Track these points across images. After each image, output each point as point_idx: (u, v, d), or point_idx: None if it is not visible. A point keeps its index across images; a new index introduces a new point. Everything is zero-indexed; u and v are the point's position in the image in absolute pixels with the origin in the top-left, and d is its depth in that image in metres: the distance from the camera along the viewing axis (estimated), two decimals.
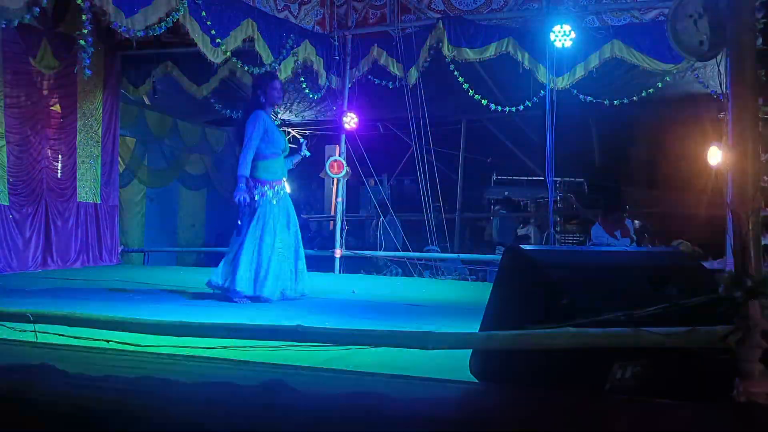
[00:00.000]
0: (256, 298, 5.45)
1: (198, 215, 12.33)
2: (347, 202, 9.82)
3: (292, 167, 5.96)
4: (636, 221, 9.38)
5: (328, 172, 9.41)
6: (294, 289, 5.65)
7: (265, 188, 5.56)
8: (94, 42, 6.09)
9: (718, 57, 2.56)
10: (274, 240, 5.51)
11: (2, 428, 2.11)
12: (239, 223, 5.58)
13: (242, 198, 5.45)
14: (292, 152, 5.96)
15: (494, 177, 13.33)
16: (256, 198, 5.51)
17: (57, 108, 8.48)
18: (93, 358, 2.91)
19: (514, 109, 8.72)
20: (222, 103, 9.98)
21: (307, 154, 6.00)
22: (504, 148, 12.48)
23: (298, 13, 8.47)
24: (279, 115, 9.20)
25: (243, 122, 5.62)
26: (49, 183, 8.29)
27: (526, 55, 8.10)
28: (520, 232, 11.57)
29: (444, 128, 11.33)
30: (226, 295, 5.48)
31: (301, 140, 6.15)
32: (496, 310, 2.62)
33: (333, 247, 9.33)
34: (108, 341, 3.04)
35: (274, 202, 5.58)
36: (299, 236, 5.79)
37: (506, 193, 13.01)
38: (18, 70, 7.81)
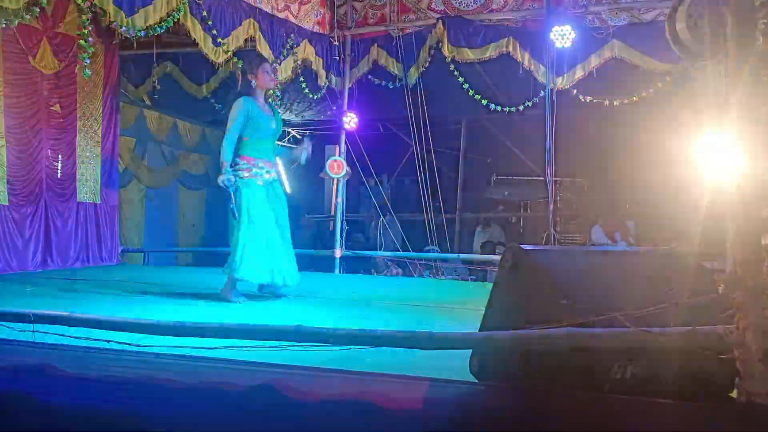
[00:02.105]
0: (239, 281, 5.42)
1: (198, 215, 12.33)
2: (347, 202, 9.82)
3: (286, 159, 5.86)
4: (632, 221, 9.39)
5: (328, 172, 9.42)
6: (275, 281, 5.51)
7: (248, 164, 5.43)
8: (94, 42, 6.09)
9: (718, 57, 2.56)
10: (250, 223, 5.38)
11: (2, 428, 2.11)
12: (231, 208, 5.42)
13: (226, 180, 5.31)
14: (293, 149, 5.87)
15: (494, 177, 13.33)
16: (237, 179, 5.39)
17: (57, 108, 8.48)
18: (93, 358, 2.90)
19: (514, 109, 8.73)
20: (222, 103, 9.98)
21: (302, 163, 5.91)
22: (504, 148, 12.48)
23: (298, 13, 8.47)
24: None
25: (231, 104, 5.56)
26: (49, 183, 8.29)
27: (526, 55, 8.11)
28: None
29: (444, 128, 11.33)
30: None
31: (305, 146, 5.95)
32: (496, 310, 2.62)
33: (333, 246, 9.34)
34: (108, 341, 3.04)
35: (260, 183, 5.46)
36: (286, 226, 5.65)
37: (506, 193, 13.02)
38: (18, 70, 7.81)
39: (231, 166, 5.38)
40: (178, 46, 8.57)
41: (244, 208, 5.39)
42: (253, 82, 5.54)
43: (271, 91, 5.85)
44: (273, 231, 5.50)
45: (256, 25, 7.52)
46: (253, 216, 5.41)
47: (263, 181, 5.51)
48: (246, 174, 5.42)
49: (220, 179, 5.34)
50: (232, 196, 5.36)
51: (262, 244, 5.41)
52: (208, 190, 12.35)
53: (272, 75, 5.73)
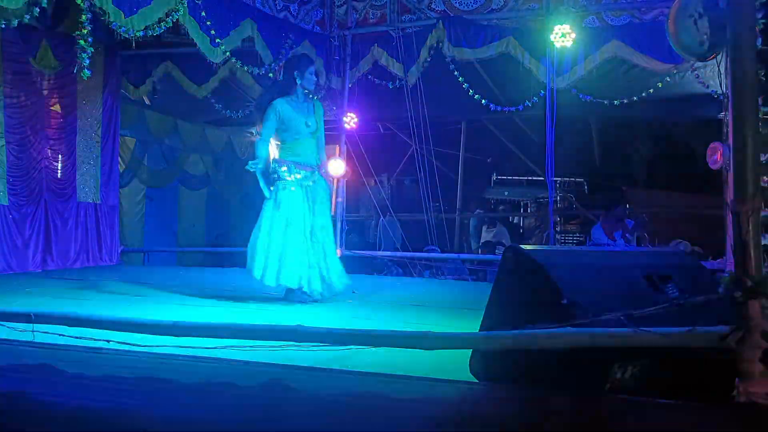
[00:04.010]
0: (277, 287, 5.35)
1: (198, 215, 12.32)
2: (347, 202, 9.81)
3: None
4: (630, 221, 9.39)
5: (328, 172, 9.41)
6: (313, 286, 5.39)
7: (285, 170, 5.39)
8: (94, 42, 6.08)
9: (718, 57, 2.56)
10: (286, 228, 5.29)
11: (2, 428, 2.10)
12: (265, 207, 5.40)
13: (271, 170, 5.31)
14: None
15: (494, 177, 13.35)
16: (275, 181, 5.36)
17: (57, 108, 8.48)
18: (93, 358, 2.91)
19: (514, 109, 8.72)
20: (222, 103, 9.98)
21: None
22: (504, 148, 12.49)
23: (297, 13, 8.47)
24: None
25: (264, 108, 5.51)
26: (48, 183, 8.28)
27: (526, 55, 8.10)
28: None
29: (444, 128, 11.33)
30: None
31: None
32: (496, 310, 2.62)
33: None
34: (108, 341, 3.04)
35: (292, 189, 5.37)
36: (327, 230, 5.55)
37: (506, 193, 13.03)
38: (18, 70, 7.80)
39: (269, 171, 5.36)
40: (178, 46, 8.56)
41: (269, 212, 5.33)
42: (298, 80, 5.55)
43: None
44: (301, 237, 5.36)
45: (254, 25, 7.52)
46: (278, 219, 5.31)
47: (299, 185, 5.40)
48: (284, 179, 5.37)
49: (252, 165, 5.30)
50: (264, 186, 5.33)
51: (296, 251, 5.30)
52: (208, 190, 12.35)
53: (317, 78, 5.83)
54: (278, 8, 8.15)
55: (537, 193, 12.52)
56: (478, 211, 12.58)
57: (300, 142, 5.53)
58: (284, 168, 5.41)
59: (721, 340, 2.06)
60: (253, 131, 12.01)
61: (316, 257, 5.42)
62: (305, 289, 5.37)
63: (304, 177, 5.47)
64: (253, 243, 5.35)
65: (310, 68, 5.69)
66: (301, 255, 5.34)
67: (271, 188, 5.40)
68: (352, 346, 2.76)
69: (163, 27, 6.40)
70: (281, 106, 5.49)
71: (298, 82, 5.55)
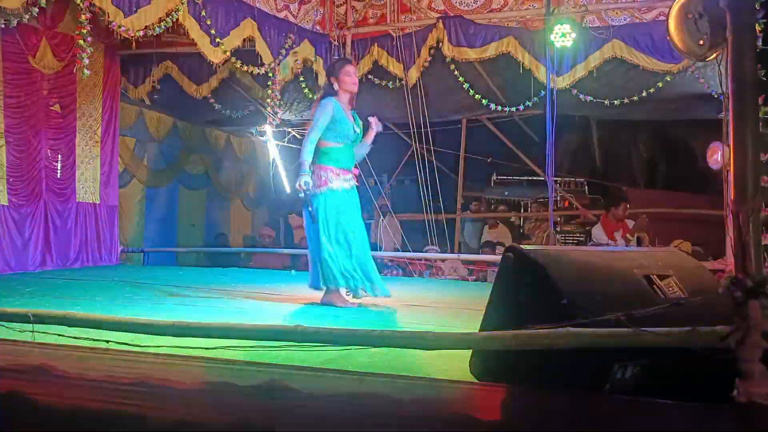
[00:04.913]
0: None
1: (198, 215, 12.31)
2: None
3: (364, 154, 5.56)
4: (630, 221, 9.39)
5: None
6: (364, 289, 5.30)
7: (328, 175, 5.21)
8: (93, 42, 6.09)
9: (718, 57, 2.56)
10: (336, 231, 5.20)
11: (2, 428, 2.10)
12: (309, 213, 5.24)
13: (304, 182, 5.06)
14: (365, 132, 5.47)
15: (494, 177, 13.35)
16: (319, 186, 5.18)
17: (57, 108, 8.48)
18: (93, 359, 2.90)
19: (514, 109, 8.73)
20: (222, 103, 9.99)
21: (379, 128, 5.56)
22: (504, 148, 12.49)
23: (297, 13, 8.48)
24: (279, 115, 9.17)
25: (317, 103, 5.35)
26: (48, 183, 8.29)
27: (526, 55, 8.10)
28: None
29: (444, 128, 11.34)
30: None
31: (374, 127, 5.57)
32: (496, 310, 2.62)
33: None
34: (108, 341, 3.04)
35: (339, 190, 5.24)
36: (364, 234, 5.47)
37: (506, 193, 13.03)
38: (18, 70, 7.81)
39: (306, 171, 5.13)
40: (178, 46, 8.57)
41: (322, 216, 5.18)
42: (335, 84, 5.30)
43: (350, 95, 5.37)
44: (350, 238, 5.29)
45: (255, 25, 7.53)
46: (334, 224, 5.22)
47: (343, 189, 5.27)
48: (327, 184, 5.20)
49: (301, 180, 5.08)
50: (310, 200, 5.15)
51: (344, 251, 5.23)
52: (208, 190, 12.34)
53: (354, 78, 5.43)
54: (278, 8, 8.16)
55: (537, 193, 12.53)
56: (469, 210, 12.59)
57: (343, 149, 5.30)
58: (329, 174, 5.22)
59: (721, 340, 2.06)
60: (253, 131, 12.02)
61: (370, 264, 5.38)
62: (354, 288, 5.30)
63: (345, 181, 5.33)
64: (320, 255, 5.19)
65: (344, 68, 5.38)
66: (349, 257, 5.27)
67: (310, 185, 5.16)
68: (352, 346, 2.76)
69: (163, 27, 6.41)
70: (336, 104, 5.25)
71: (335, 87, 5.30)
